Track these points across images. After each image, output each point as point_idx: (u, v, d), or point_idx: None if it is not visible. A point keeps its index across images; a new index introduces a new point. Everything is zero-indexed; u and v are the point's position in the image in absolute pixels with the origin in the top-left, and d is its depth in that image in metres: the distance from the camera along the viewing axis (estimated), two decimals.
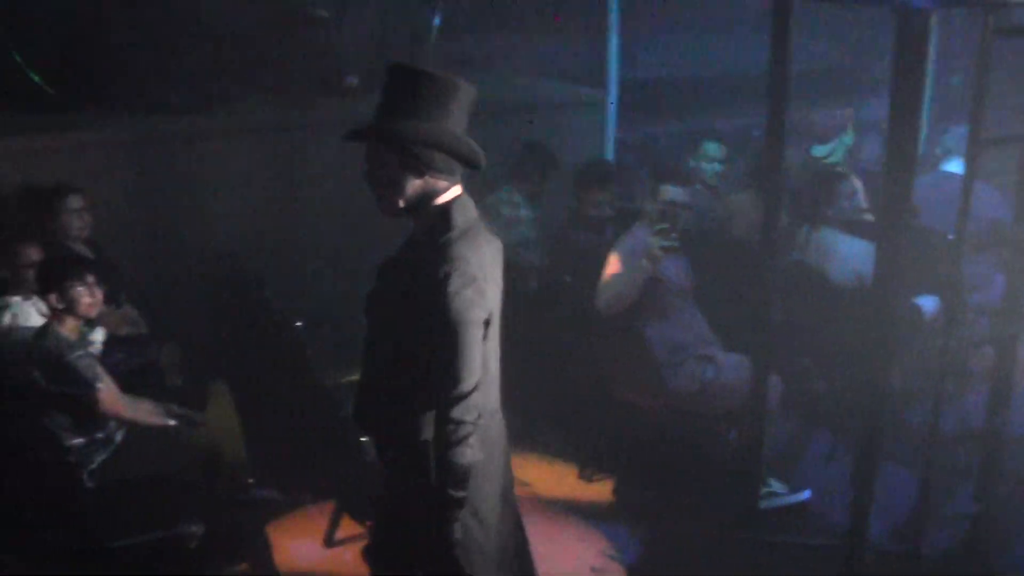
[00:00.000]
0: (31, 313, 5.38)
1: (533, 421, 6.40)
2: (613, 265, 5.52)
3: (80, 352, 4.75)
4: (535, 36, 8.34)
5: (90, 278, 4.80)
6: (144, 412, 4.95)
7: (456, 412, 3.22)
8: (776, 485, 5.63)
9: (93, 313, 4.84)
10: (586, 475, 5.98)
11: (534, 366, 6.36)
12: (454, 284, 3.16)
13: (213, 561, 4.68)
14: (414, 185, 3.25)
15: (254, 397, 5.71)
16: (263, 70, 7.25)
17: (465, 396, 3.23)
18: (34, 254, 5.39)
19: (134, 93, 6.68)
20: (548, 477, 6.00)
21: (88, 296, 4.78)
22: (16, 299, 5.39)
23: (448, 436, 3.24)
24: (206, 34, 6.77)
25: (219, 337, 6.12)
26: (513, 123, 7.17)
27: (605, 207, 6.33)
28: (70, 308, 4.80)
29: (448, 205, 3.30)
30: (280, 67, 7.04)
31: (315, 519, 5.44)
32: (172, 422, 4.99)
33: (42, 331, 4.86)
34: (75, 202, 5.88)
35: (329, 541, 5.31)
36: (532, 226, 6.58)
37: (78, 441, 4.77)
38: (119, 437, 4.87)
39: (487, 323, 3.32)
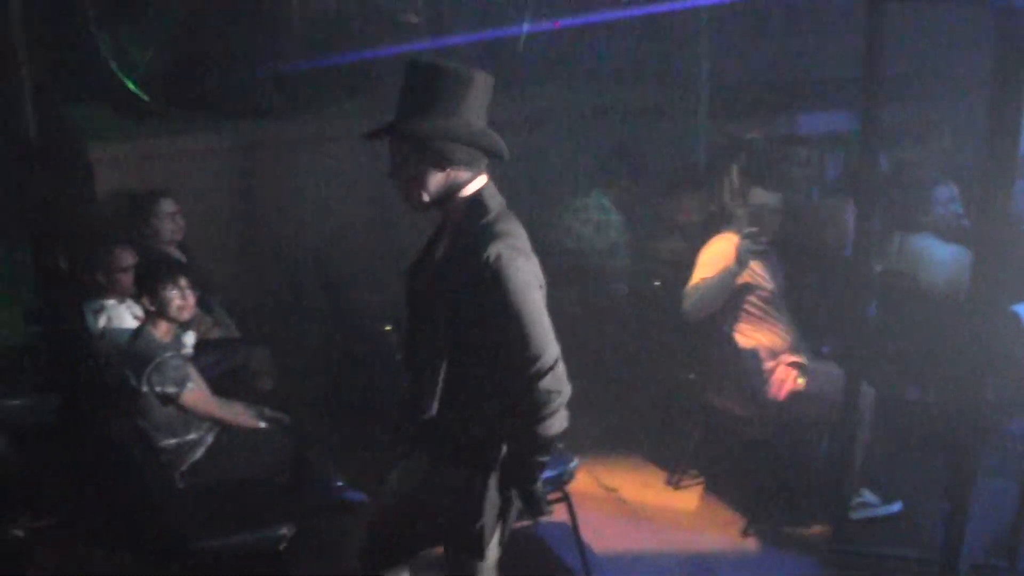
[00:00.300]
0: (125, 316, 5.48)
1: (621, 425, 6.37)
2: (701, 269, 5.46)
3: (171, 353, 4.82)
4: (629, 37, 8.28)
5: (183, 282, 4.86)
6: (234, 414, 5.00)
7: (545, 383, 3.23)
8: (868, 496, 5.51)
9: (185, 316, 4.90)
10: (673, 481, 5.92)
11: (623, 370, 6.34)
12: (507, 258, 3.19)
13: (301, 564, 4.70)
14: (437, 179, 3.28)
15: (342, 400, 5.76)
16: (360, 75, 7.30)
17: (552, 367, 3.25)
18: (128, 257, 5.49)
19: (233, 99, 6.75)
20: (634, 482, 5.96)
21: (180, 300, 4.85)
22: (111, 302, 5.50)
23: (539, 410, 3.24)
24: (305, 40, 6.82)
25: (310, 341, 6.19)
26: (603, 126, 7.13)
27: (695, 211, 6.27)
28: (163, 311, 4.87)
29: (477, 194, 3.33)
30: (375, 72, 7.07)
31: None
32: (262, 424, 5.03)
33: (135, 333, 4.95)
34: (168, 206, 5.98)
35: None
36: (622, 230, 6.54)
37: (170, 442, 4.83)
38: (210, 439, 4.91)
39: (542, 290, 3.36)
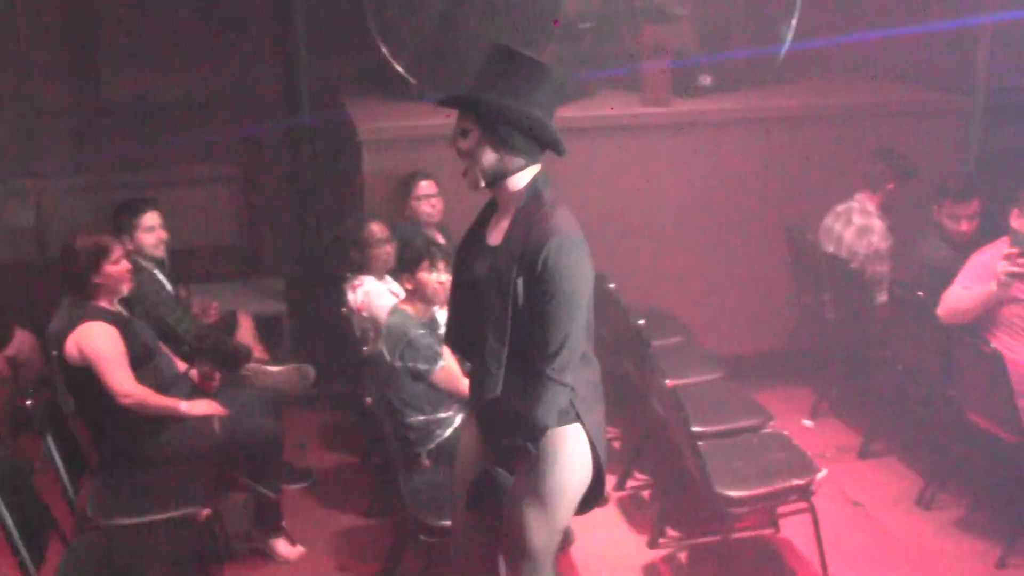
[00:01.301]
0: (383, 292, 5.65)
1: (872, 435, 6.16)
2: (965, 274, 5.30)
3: (424, 331, 4.93)
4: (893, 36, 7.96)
5: (441, 265, 4.96)
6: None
7: (555, 372, 3.33)
8: None
9: (440, 300, 5.00)
10: (925, 500, 5.66)
11: (877, 378, 6.12)
12: (570, 254, 3.28)
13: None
14: (490, 158, 3.35)
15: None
16: (619, 64, 7.29)
17: (567, 361, 3.35)
18: (381, 234, 5.74)
19: None
20: (883, 497, 5.74)
21: (438, 283, 4.95)
22: (369, 278, 5.68)
23: (538, 395, 3.33)
24: (564, 26, 6.85)
25: None
26: (868, 126, 6.89)
27: (965, 221, 5.98)
28: (420, 291, 4.98)
29: (532, 183, 3.40)
30: (635, 63, 7.04)
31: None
32: None
33: (392, 310, 5.09)
34: (427, 188, 6.12)
35: (652, 544, 5.32)
36: (884, 236, 6.31)
37: (418, 419, 4.95)
38: (457, 420, 5.00)
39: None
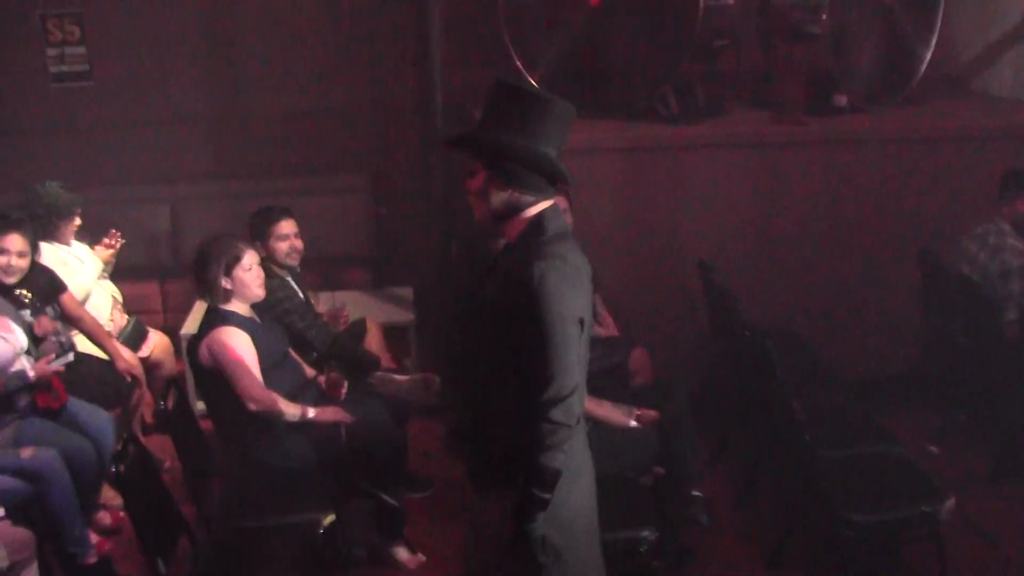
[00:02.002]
0: None
1: (1008, 464, 5.98)
2: None
3: None
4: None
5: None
6: (606, 411, 5.04)
7: (554, 414, 3.19)
8: None
9: None
10: None
11: (1013, 405, 5.94)
12: (551, 280, 3.17)
13: (652, 570, 4.69)
14: (500, 197, 3.31)
15: (709, 407, 5.73)
16: (755, 84, 7.22)
17: (565, 398, 3.20)
18: None
19: (635, 107, 6.83)
20: (1014, 530, 5.53)
21: None
22: None
23: (543, 438, 3.19)
24: (699, 45, 6.81)
25: (689, 344, 6.18)
26: (997, 150, 6.71)
27: None
28: None
29: (539, 215, 3.32)
30: (771, 82, 6.97)
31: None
32: (633, 424, 5.05)
33: None
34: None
35: (772, 562, 5.24)
36: (1016, 254, 6.15)
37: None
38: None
39: (581, 325, 3.26)
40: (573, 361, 3.23)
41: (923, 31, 7.06)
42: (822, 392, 5.80)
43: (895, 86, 7.11)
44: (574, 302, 3.24)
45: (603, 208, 6.46)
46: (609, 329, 5.94)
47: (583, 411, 4.85)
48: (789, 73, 6.73)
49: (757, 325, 5.51)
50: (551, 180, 3.34)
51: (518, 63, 6.78)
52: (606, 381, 5.41)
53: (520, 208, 3.34)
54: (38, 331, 5.41)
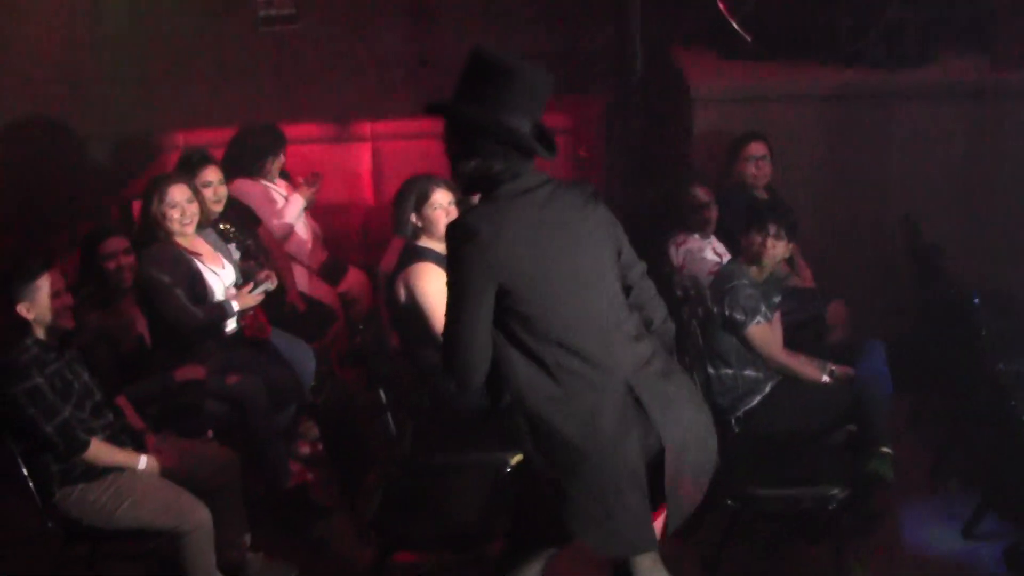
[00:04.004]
0: (706, 251, 5.64)
1: None
2: None
3: (750, 285, 4.89)
4: None
5: (772, 229, 4.89)
6: (799, 364, 4.97)
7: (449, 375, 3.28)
8: None
9: (774, 262, 4.97)
10: None
11: None
12: (451, 234, 3.19)
13: (842, 529, 4.60)
14: (467, 166, 3.26)
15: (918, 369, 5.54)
16: (973, 31, 6.90)
17: (449, 361, 3.26)
18: (702, 196, 5.68)
19: (832, 46, 6.64)
20: None
21: (771, 245, 4.90)
22: (694, 236, 5.67)
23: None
24: None
25: (889, 300, 6.02)
26: None
27: None
28: (756, 254, 4.94)
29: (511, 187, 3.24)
30: (985, 25, 6.66)
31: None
32: (826, 379, 4.96)
33: (730, 261, 5.17)
34: (756, 149, 6.01)
35: (967, 532, 5.06)
36: None
37: (726, 371, 4.92)
38: (768, 388, 4.92)
39: (507, 291, 3.17)
40: (457, 331, 3.22)
41: None
42: None
43: None
44: (478, 266, 3.16)
45: (803, 157, 6.32)
46: (806, 281, 5.82)
47: (778, 363, 4.85)
48: (1008, 13, 6.38)
49: (963, 283, 5.32)
50: (522, 151, 3.26)
51: (720, 3, 6.65)
52: (801, 334, 5.32)
53: (493, 178, 3.26)
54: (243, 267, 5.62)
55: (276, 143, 6.29)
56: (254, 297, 5.30)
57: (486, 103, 3.20)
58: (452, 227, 3.22)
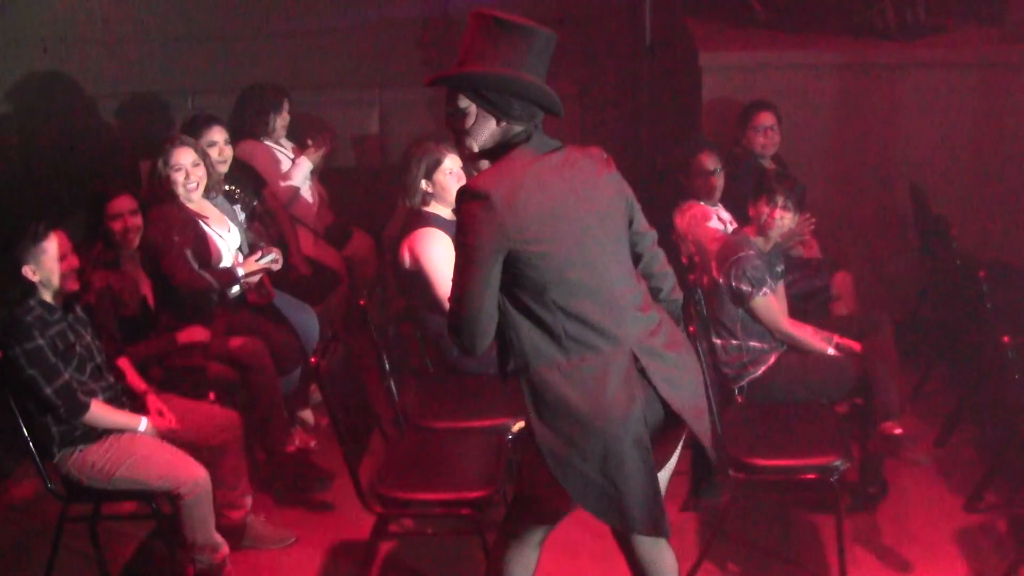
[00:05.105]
0: (711, 218, 5.61)
1: None
2: None
3: (756, 255, 4.88)
4: None
5: (780, 200, 4.86)
6: (804, 334, 4.96)
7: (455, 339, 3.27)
8: None
9: (774, 233, 4.94)
10: None
11: None
12: (461, 199, 3.17)
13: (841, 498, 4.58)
14: (491, 130, 3.22)
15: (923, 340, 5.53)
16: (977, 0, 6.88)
17: (455, 325, 3.25)
18: (710, 164, 5.63)
19: (843, 16, 6.60)
20: None
21: (779, 216, 4.88)
22: (700, 203, 5.64)
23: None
24: None
25: (895, 272, 5.99)
26: None
27: None
28: (763, 225, 4.92)
29: (520, 148, 3.22)
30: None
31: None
32: (831, 351, 4.94)
33: (736, 230, 5.16)
34: (766, 119, 5.99)
35: (971, 504, 5.05)
36: None
37: (731, 342, 4.92)
38: (772, 359, 4.92)
39: (517, 256, 3.14)
40: (465, 295, 3.19)
41: None
42: None
43: None
44: (488, 230, 3.12)
45: (811, 126, 6.29)
46: (811, 250, 5.80)
47: (783, 333, 4.83)
48: None
49: (971, 255, 5.30)
50: (544, 109, 3.24)
51: None
52: (806, 304, 5.30)
53: (511, 140, 3.24)
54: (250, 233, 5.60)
55: (277, 99, 6.26)
56: (259, 266, 5.29)
57: (510, 64, 3.17)
58: (464, 191, 3.18)
